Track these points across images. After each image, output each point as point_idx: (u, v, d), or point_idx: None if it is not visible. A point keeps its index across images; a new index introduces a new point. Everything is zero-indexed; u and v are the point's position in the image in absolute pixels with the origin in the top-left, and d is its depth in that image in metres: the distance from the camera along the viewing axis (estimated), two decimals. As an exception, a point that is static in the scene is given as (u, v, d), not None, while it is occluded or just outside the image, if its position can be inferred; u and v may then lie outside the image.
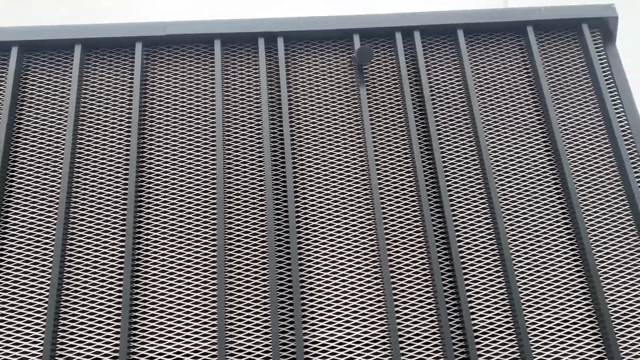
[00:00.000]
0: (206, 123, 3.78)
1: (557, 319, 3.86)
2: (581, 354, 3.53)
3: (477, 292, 3.87)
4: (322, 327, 3.49)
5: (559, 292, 3.92)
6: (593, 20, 3.93)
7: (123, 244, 3.19)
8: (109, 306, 3.01)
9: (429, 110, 3.71)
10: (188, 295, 3.22)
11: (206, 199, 3.80)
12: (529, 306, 3.87)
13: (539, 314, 3.84)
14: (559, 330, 3.73)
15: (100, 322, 2.95)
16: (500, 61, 4.18)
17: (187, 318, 3.05)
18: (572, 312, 3.70)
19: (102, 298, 2.97)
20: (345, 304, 3.44)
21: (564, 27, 3.99)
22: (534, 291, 4.03)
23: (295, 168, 3.87)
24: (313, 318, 3.67)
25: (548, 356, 3.46)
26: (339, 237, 3.75)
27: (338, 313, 3.60)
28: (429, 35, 3.88)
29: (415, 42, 3.84)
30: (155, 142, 4.02)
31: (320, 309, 3.36)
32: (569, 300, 3.97)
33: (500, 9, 4.09)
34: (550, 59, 4.69)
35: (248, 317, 3.19)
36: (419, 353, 3.61)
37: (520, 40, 4.20)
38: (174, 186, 3.64)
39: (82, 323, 2.95)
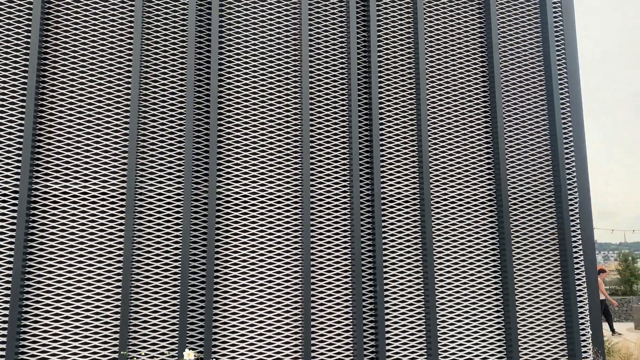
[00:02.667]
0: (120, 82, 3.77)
1: (467, 312, 3.91)
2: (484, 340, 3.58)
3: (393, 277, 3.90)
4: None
5: (472, 288, 3.96)
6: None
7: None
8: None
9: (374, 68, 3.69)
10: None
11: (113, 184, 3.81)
12: (443, 298, 3.96)
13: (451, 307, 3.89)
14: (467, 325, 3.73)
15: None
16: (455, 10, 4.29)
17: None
18: (482, 309, 3.71)
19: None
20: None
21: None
22: (449, 283, 4.08)
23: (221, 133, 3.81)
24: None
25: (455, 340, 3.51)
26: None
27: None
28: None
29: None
30: (57, 93, 3.97)
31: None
32: (481, 296, 4.00)
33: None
34: (506, 13, 4.73)
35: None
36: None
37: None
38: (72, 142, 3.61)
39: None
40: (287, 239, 4.04)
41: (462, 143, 4.54)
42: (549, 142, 4.73)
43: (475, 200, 4.47)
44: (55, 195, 3.76)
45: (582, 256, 4.62)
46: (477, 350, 4.25)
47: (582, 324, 4.48)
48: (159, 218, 3.86)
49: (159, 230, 3.84)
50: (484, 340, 4.27)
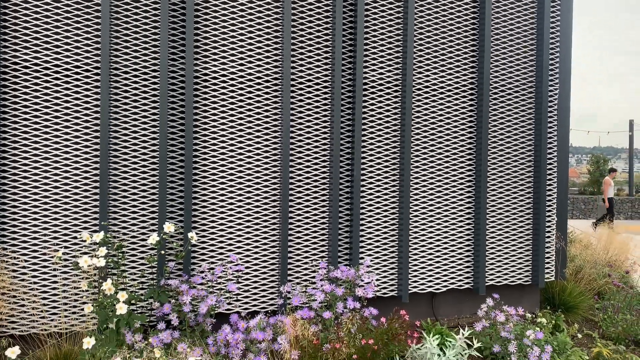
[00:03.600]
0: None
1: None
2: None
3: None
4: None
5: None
6: None
7: None
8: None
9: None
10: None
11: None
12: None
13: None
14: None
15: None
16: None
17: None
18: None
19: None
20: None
21: None
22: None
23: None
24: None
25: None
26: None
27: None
28: None
29: None
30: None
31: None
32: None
33: None
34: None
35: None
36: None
37: None
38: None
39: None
40: (267, 112, 4.01)
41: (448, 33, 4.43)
42: (535, 43, 4.64)
43: (456, 89, 4.44)
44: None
45: (556, 153, 4.72)
46: (447, 238, 4.44)
47: (549, 212, 4.69)
48: (136, 82, 3.77)
49: (135, 98, 3.77)
50: (454, 228, 4.46)
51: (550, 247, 4.70)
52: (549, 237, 4.69)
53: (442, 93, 4.41)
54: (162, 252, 3.68)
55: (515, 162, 4.61)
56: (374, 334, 3.21)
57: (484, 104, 4.42)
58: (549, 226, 4.69)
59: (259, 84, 3.99)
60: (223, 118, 3.92)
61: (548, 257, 4.70)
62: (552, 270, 4.72)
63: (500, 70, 4.55)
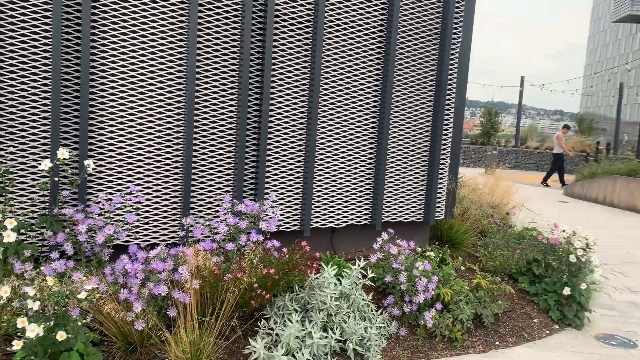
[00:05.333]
0: None
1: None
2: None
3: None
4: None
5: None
6: None
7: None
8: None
9: None
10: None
11: None
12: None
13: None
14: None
15: None
16: None
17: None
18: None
19: None
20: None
21: None
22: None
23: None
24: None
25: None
26: None
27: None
28: None
29: None
30: None
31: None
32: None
33: None
34: None
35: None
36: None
37: None
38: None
39: None
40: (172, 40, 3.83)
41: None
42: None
43: (366, 31, 4.48)
44: None
45: (453, 103, 4.97)
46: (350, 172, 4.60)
47: (444, 156, 4.99)
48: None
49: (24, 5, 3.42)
50: (356, 168, 4.62)
51: (442, 188, 5.03)
52: (441, 179, 5.01)
53: (352, 32, 4.44)
54: (56, 179, 3.48)
55: (415, 109, 4.80)
56: (275, 264, 3.31)
57: (390, 53, 4.51)
58: (442, 169, 5.00)
59: (164, 6, 3.77)
60: (124, 41, 3.68)
61: (439, 198, 5.03)
62: (442, 210, 5.08)
63: (406, 26, 4.64)
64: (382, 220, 4.77)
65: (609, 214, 11.61)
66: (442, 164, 4.97)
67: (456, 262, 4.63)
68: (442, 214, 5.09)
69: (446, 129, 4.96)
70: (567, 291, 4.33)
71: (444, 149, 4.98)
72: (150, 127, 3.81)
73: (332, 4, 4.32)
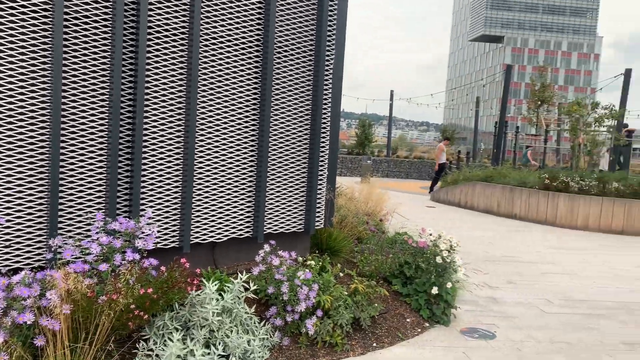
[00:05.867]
0: None
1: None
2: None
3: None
4: None
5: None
6: None
7: None
8: None
9: None
10: None
11: None
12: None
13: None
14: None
15: None
16: None
17: None
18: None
19: None
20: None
21: None
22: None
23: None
24: None
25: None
26: None
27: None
28: None
29: None
30: None
31: None
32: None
33: None
34: None
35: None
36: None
37: None
38: None
39: None
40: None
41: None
42: (316, 1, 4.96)
43: (243, 44, 4.53)
44: None
45: (329, 116, 5.18)
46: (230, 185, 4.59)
47: (322, 168, 5.17)
48: None
49: None
50: (237, 180, 4.62)
51: (321, 199, 5.21)
52: (320, 190, 5.18)
53: (228, 46, 4.45)
54: None
55: (294, 122, 4.93)
56: (154, 283, 3.21)
57: (268, 62, 4.60)
58: (321, 180, 5.18)
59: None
60: (-24, 48, 3.36)
61: (319, 208, 5.21)
62: (321, 219, 5.26)
63: (284, 31, 4.77)
64: (264, 232, 4.82)
65: (470, 216, 12.74)
66: (321, 175, 5.15)
67: (335, 269, 4.81)
68: (321, 223, 5.26)
69: (323, 141, 5.15)
70: (435, 290, 4.69)
71: (322, 161, 5.16)
72: (9, 141, 3.51)
73: (208, 17, 4.31)
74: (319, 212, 5.21)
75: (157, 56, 4.07)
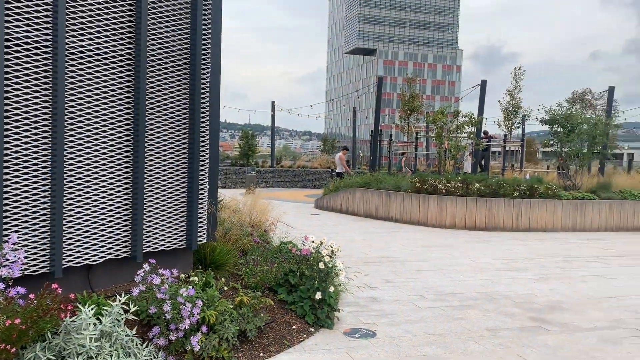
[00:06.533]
0: None
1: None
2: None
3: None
4: None
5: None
6: None
7: None
8: None
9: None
10: None
11: None
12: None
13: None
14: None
15: None
16: None
17: None
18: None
19: None
20: None
21: None
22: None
23: None
24: None
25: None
26: None
27: None
28: None
29: None
30: None
31: None
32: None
33: None
34: None
35: None
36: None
37: None
38: None
39: None
40: None
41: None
42: (189, 16, 4.94)
43: (113, 59, 4.39)
44: None
45: (208, 129, 5.17)
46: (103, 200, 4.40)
47: (202, 182, 5.13)
48: None
49: None
50: (111, 199, 4.45)
51: (202, 213, 5.17)
52: (201, 204, 5.14)
53: (97, 60, 4.29)
54: None
55: (172, 135, 4.86)
56: (22, 313, 3.00)
57: (141, 72, 4.50)
58: (202, 195, 5.14)
59: None
60: None
61: (201, 222, 5.16)
62: (204, 234, 5.21)
63: (157, 40, 4.69)
64: (144, 251, 4.68)
65: (352, 221, 13.28)
66: (202, 189, 5.11)
67: (220, 283, 4.80)
68: (204, 238, 5.22)
69: (203, 155, 5.11)
70: (318, 295, 4.86)
71: (202, 176, 5.13)
72: None
73: (74, 29, 4.12)
74: (201, 227, 5.16)
75: (17, 70, 3.81)
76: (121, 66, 4.44)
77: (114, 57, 4.38)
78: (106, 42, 4.33)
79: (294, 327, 4.70)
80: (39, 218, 3.98)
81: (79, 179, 4.21)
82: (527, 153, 30.38)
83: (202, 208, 5.16)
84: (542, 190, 12.57)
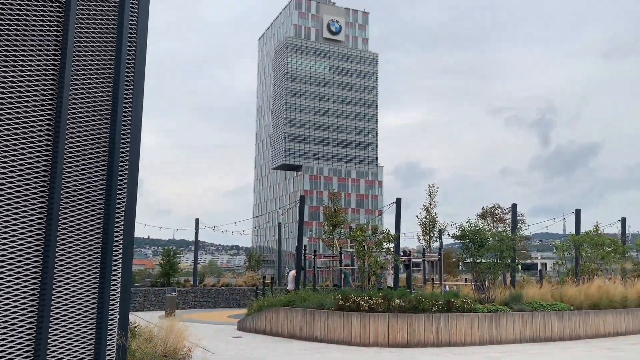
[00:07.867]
0: None
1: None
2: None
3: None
4: None
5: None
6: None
7: None
8: None
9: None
10: None
11: None
12: None
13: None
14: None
15: None
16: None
17: None
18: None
19: None
20: None
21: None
22: None
23: None
24: None
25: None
26: None
27: None
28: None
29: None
30: None
31: None
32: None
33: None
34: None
35: None
36: None
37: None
38: None
39: None
40: None
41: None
42: (108, 139, 5.12)
43: (25, 185, 4.42)
44: None
45: (122, 250, 5.16)
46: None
47: (112, 312, 5.01)
48: None
49: None
50: (13, 329, 4.25)
51: (111, 346, 4.98)
52: (111, 336, 4.97)
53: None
54: None
55: (82, 265, 4.80)
56: None
57: (56, 187, 4.52)
58: (112, 326, 4.99)
59: None
60: None
61: (109, 356, 4.95)
62: (111, 368, 4.97)
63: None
64: (43, 391, 4.38)
65: (274, 343, 12.92)
66: (111, 319, 4.97)
67: (126, 423, 4.53)
68: (111, 373, 4.97)
69: (114, 280, 5.03)
70: None
71: (113, 303, 5.01)
72: None
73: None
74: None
75: None
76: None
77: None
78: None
79: None
80: None
81: (-24, 316, 4.02)
82: (448, 265, 31.45)
83: (111, 340, 4.98)
84: (458, 304, 13.00)
